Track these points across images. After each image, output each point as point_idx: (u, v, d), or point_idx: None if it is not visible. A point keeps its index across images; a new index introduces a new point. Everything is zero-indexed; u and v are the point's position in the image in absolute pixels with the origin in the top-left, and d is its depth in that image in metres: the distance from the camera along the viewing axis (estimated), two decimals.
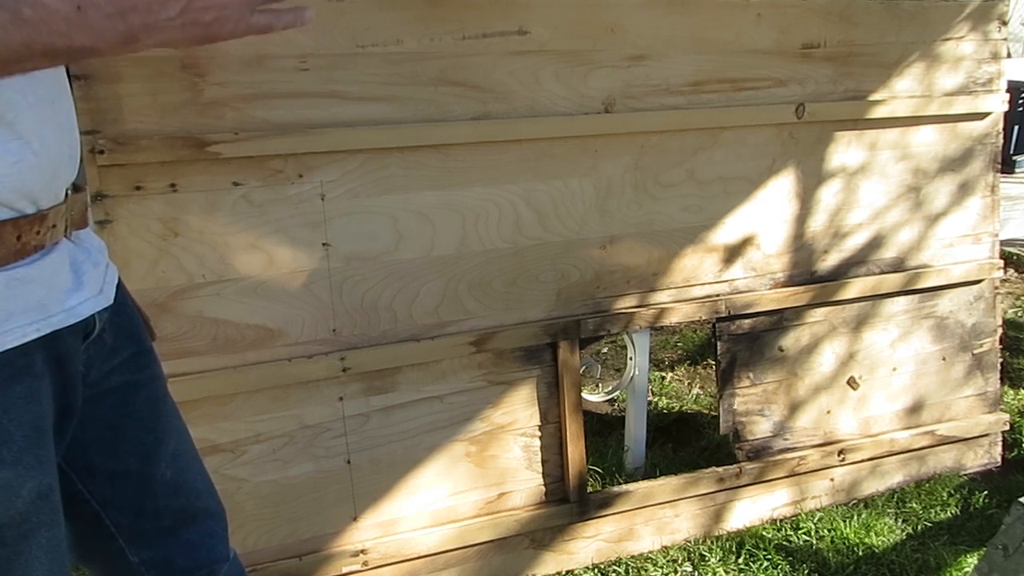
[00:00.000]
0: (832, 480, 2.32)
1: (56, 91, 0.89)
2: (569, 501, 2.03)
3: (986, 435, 2.49)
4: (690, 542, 2.16)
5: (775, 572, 2.05)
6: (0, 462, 0.83)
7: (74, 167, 0.94)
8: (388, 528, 1.90)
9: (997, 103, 2.33)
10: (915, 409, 2.41)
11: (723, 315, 2.14)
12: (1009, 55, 2.47)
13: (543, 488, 2.03)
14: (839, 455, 2.28)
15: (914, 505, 2.32)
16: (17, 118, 0.81)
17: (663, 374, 3.22)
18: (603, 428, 2.74)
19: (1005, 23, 2.31)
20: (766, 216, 2.16)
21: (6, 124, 0.80)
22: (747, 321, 2.18)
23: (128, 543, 1.09)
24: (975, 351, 2.45)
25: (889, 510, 2.30)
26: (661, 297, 2.09)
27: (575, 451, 2.01)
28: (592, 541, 2.08)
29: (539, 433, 2.01)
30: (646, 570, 2.07)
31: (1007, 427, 2.50)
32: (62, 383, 0.92)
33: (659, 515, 2.14)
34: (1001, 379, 2.53)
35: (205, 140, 1.61)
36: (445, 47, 1.78)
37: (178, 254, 1.65)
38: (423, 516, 1.93)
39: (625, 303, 2.05)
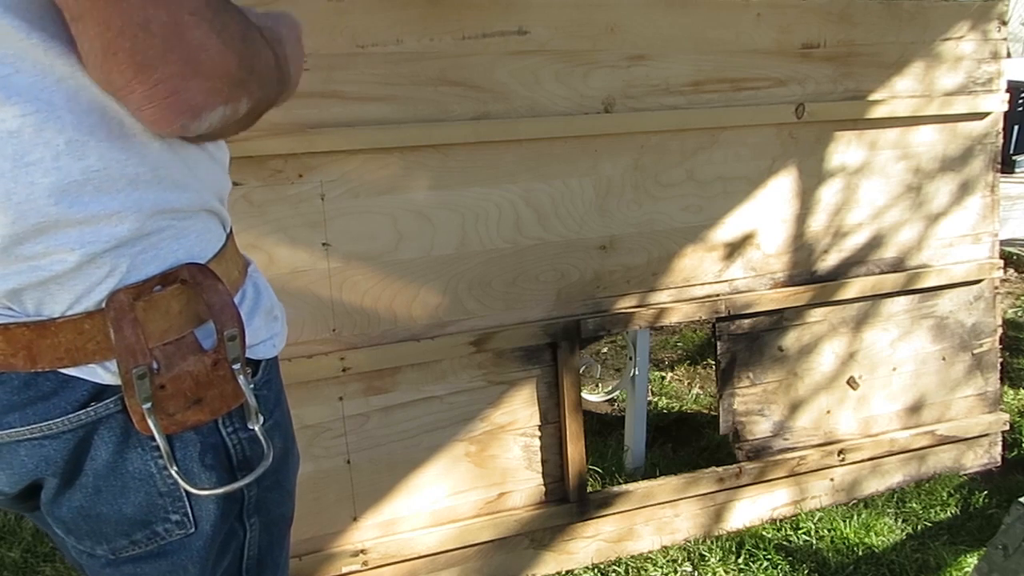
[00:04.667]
0: (832, 480, 2.32)
1: None
2: (569, 501, 2.03)
3: (986, 435, 2.49)
4: (690, 542, 2.16)
5: (775, 572, 2.05)
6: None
7: None
8: (388, 528, 1.90)
9: (997, 103, 2.33)
10: (915, 409, 2.41)
11: (723, 315, 2.14)
12: (1009, 55, 2.47)
13: (543, 488, 2.03)
14: (839, 455, 2.28)
15: (914, 505, 2.32)
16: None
17: (663, 374, 3.22)
18: (603, 428, 2.74)
19: (1005, 23, 2.31)
20: (766, 216, 2.16)
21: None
22: (747, 321, 2.18)
23: None
24: (975, 351, 2.45)
25: (889, 510, 2.30)
26: (661, 297, 2.09)
27: (575, 451, 2.01)
28: (592, 541, 2.08)
29: (539, 433, 2.01)
30: (646, 570, 2.07)
31: (1007, 427, 2.50)
32: None
33: (659, 515, 2.14)
34: (1001, 379, 2.53)
35: None
36: (445, 47, 1.78)
37: None
38: (423, 516, 1.93)
39: (625, 303, 2.05)
